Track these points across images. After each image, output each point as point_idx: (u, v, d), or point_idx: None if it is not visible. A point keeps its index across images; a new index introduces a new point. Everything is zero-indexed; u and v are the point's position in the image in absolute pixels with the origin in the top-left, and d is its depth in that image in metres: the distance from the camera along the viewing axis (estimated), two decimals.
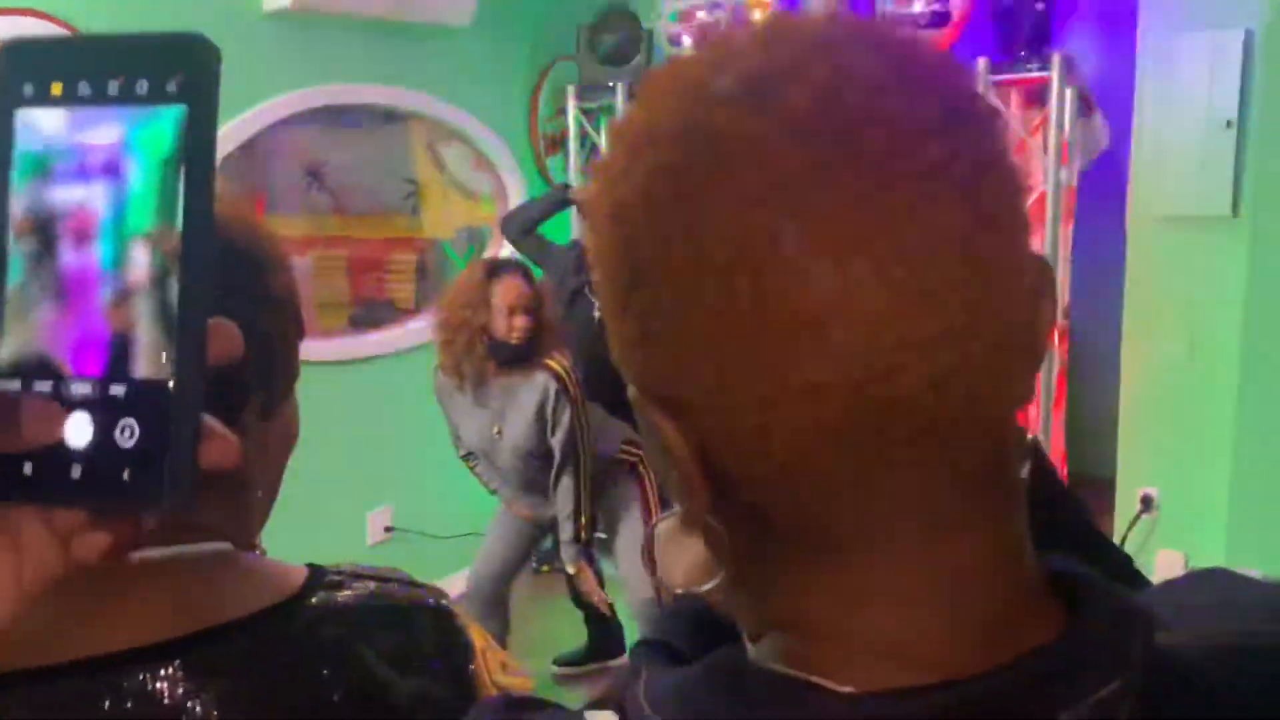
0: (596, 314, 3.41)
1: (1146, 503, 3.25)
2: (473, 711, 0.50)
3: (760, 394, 0.38)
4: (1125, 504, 3.29)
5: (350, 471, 3.72)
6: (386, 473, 3.94)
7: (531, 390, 2.95)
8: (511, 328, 2.90)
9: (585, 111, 4.46)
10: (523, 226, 3.57)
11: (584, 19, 4.32)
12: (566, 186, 3.81)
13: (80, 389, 0.37)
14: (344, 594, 0.72)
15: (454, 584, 3.61)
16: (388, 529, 3.94)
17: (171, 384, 0.36)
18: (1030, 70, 3.24)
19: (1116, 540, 3.26)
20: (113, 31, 0.38)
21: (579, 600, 3.54)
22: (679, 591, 0.78)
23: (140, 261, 0.36)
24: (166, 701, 0.63)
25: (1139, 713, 0.39)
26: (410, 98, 3.98)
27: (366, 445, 3.83)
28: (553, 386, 2.93)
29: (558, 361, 2.96)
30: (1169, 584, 0.52)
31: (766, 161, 0.38)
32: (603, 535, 3.32)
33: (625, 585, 3.16)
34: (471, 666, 0.76)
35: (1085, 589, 0.43)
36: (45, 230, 0.37)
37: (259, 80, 3.44)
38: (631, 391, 0.44)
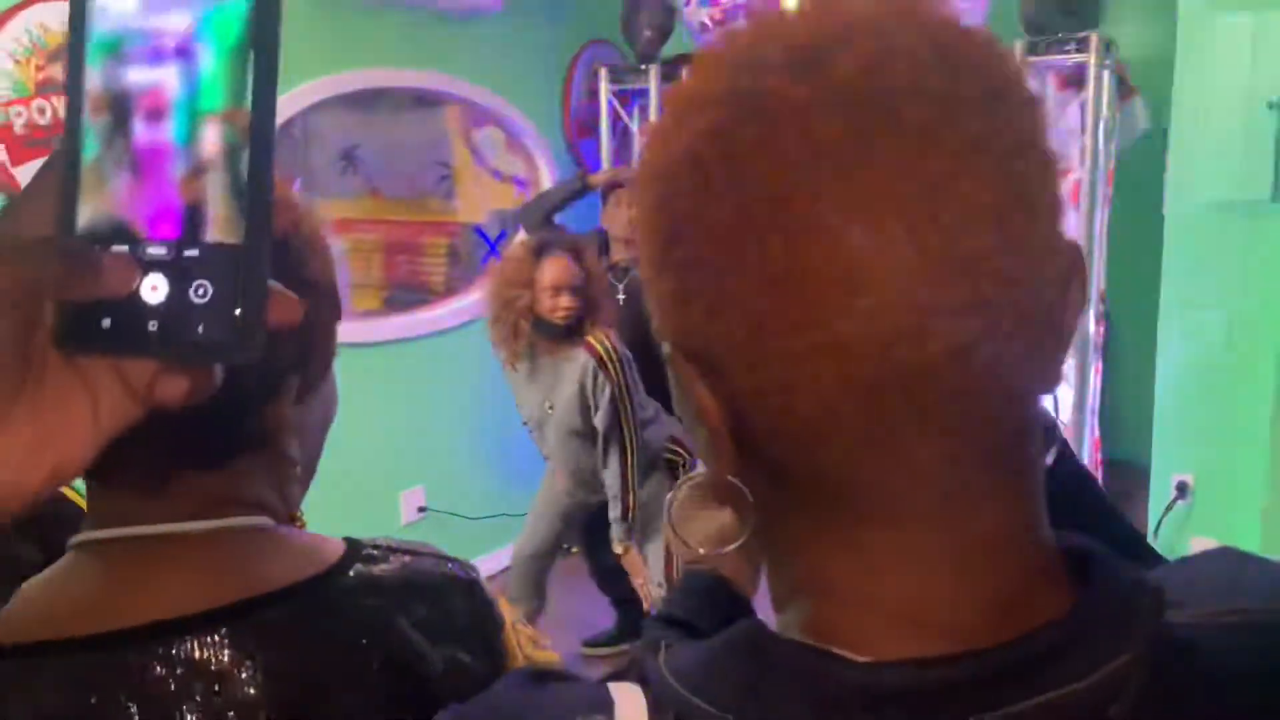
0: (620, 297, 3.44)
1: (1182, 489, 3.22)
2: (499, 682, 0.51)
3: (790, 349, 0.40)
4: (1160, 490, 3.26)
5: (384, 452, 3.75)
6: (420, 454, 3.97)
7: (574, 368, 2.96)
8: (555, 307, 2.92)
9: (618, 95, 4.45)
10: (541, 217, 3.57)
11: (618, 2, 4.31)
12: (584, 175, 3.80)
13: (156, 251, 0.40)
14: (380, 567, 0.74)
15: (485, 565, 3.64)
16: (420, 509, 3.98)
17: (242, 247, 0.39)
18: (1068, 52, 3.20)
19: (1151, 526, 3.23)
20: None
21: (604, 584, 3.58)
22: (692, 562, 0.79)
23: (211, 138, 0.39)
24: (214, 668, 0.65)
25: (1147, 687, 0.40)
26: (444, 81, 4.00)
27: (400, 426, 3.86)
28: (591, 364, 2.94)
29: (599, 340, 2.96)
30: (1181, 562, 0.53)
31: (810, 126, 0.39)
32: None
33: (654, 574, 3.17)
34: (502, 638, 0.78)
35: (1097, 565, 0.44)
36: (120, 107, 0.40)
37: (294, 64, 3.46)
38: (666, 348, 0.46)
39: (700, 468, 0.82)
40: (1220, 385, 3.10)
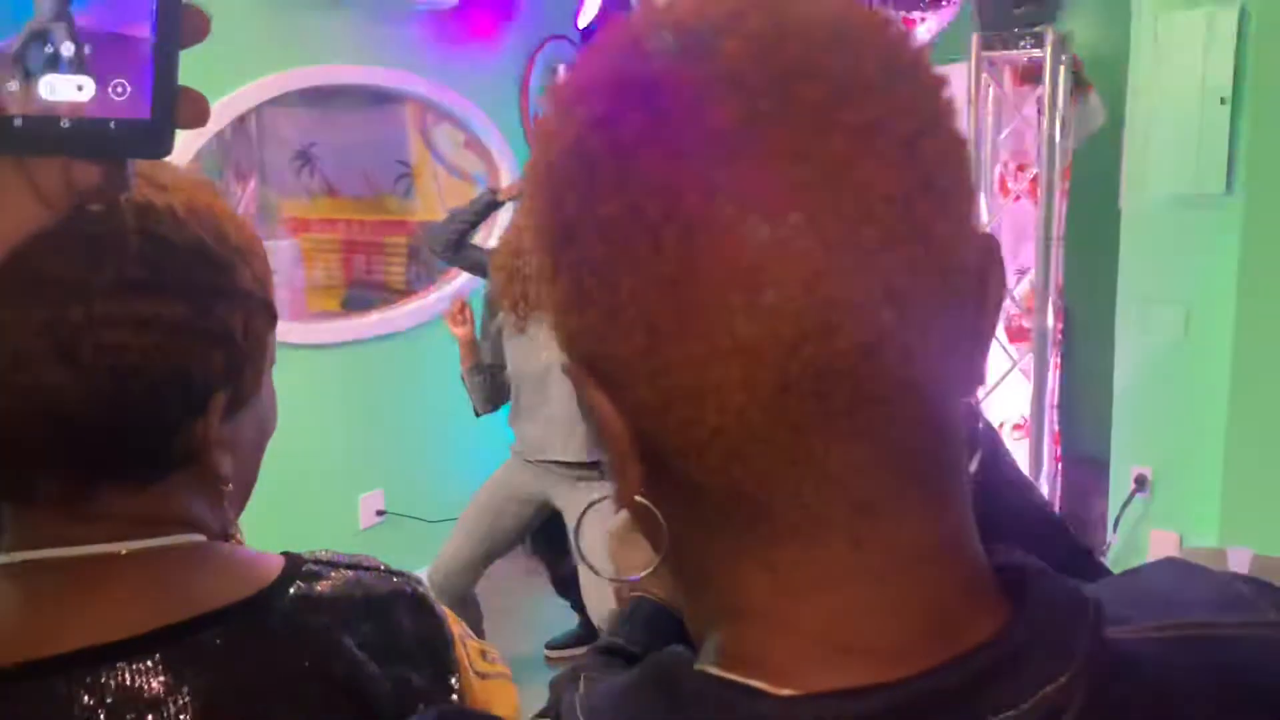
0: None
1: (1140, 482, 3.25)
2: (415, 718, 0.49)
3: (693, 354, 0.37)
4: (1119, 484, 3.29)
5: (342, 455, 3.71)
6: (379, 456, 3.93)
7: None
8: None
9: None
10: (450, 241, 3.39)
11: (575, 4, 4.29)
12: (494, 188, 3.66)
13: (67, 48, 0.41)
14: (322, 584, 0.71)
15: None
16: (379, 512, 3.93)
17: (152, 43, 0.41)
18: (1024, 47, 3.22)
19: (1110, 520, 3.26)
20: None
21: (562, 590, 3.55)
22: (631, 589, 0.76)
23: None
24: (146, 696, 0.62)
25: (1086, 707, 0.38)
26: (401, 78, 3.95)
27: (359, 429, 3.82)
28: None
29: None
30: (1125, 575, 0.51)
31: (700, 112, 0.37)
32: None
33: (586, 597, 3.08)
34: (452, 654, 0.75)
35: (1031, 580, 0.42)
36: None
37: (249, 59, 3.41)
38: (565, 362, 0.43)
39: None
40: (1177, 378, 3.13)
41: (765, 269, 0.36)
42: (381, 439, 3.93)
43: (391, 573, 0.76)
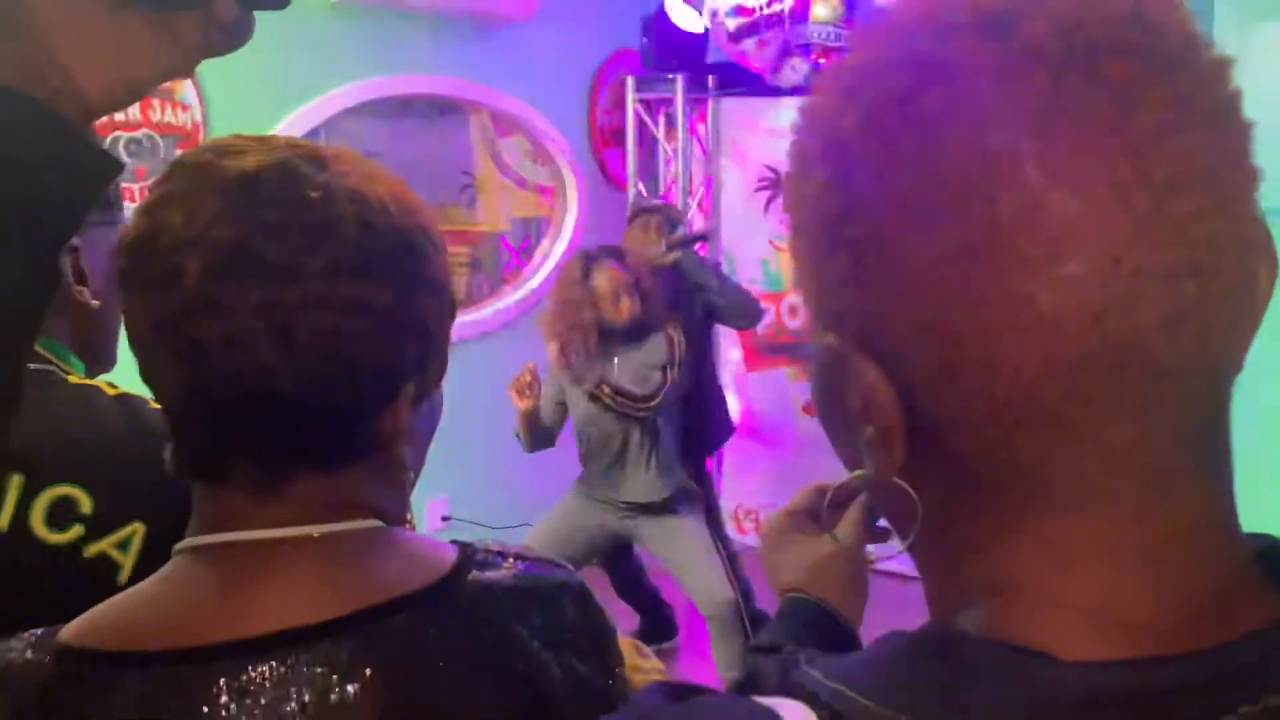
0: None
1: None
2: (639, 695, 0.48)
3: (989, 325, 0.37)
4: None
5: None
6: (444, 463, 3.92)
7: (646, 351, 3.13)
8: (619, 311, 3.07)
9: (644, 104, 4.44)
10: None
11: (645, 11, 4.31)
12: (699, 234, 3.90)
13: None
14: (494, 573, 0.71)
15: None
16: (444, 518, 3.96)
17: None
18: None
19: None
20: None
21: (624, 593, 3.59)
22: (790, 590, 0.76)
23: None
24: (335, 678, 0.63)
25: None
26: (469, 89, 4.00)
27: None
28: (663, 347, 3.11)
29: (668, 332, 3.14)
30: None
31: (1007, 87, 0.37)
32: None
33: (694, 595, 3.14)
34: (615, 647, 0.76)
35: None
36: None
37: (319, 71, 3.47)
38: (829, 340, 0.43)
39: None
40: (1239, 398, 3.03)
41: (1072, 239, 0.36)
42: (447, 446, 3.90)
43: (554, 564, 0.76)
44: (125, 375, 0.87)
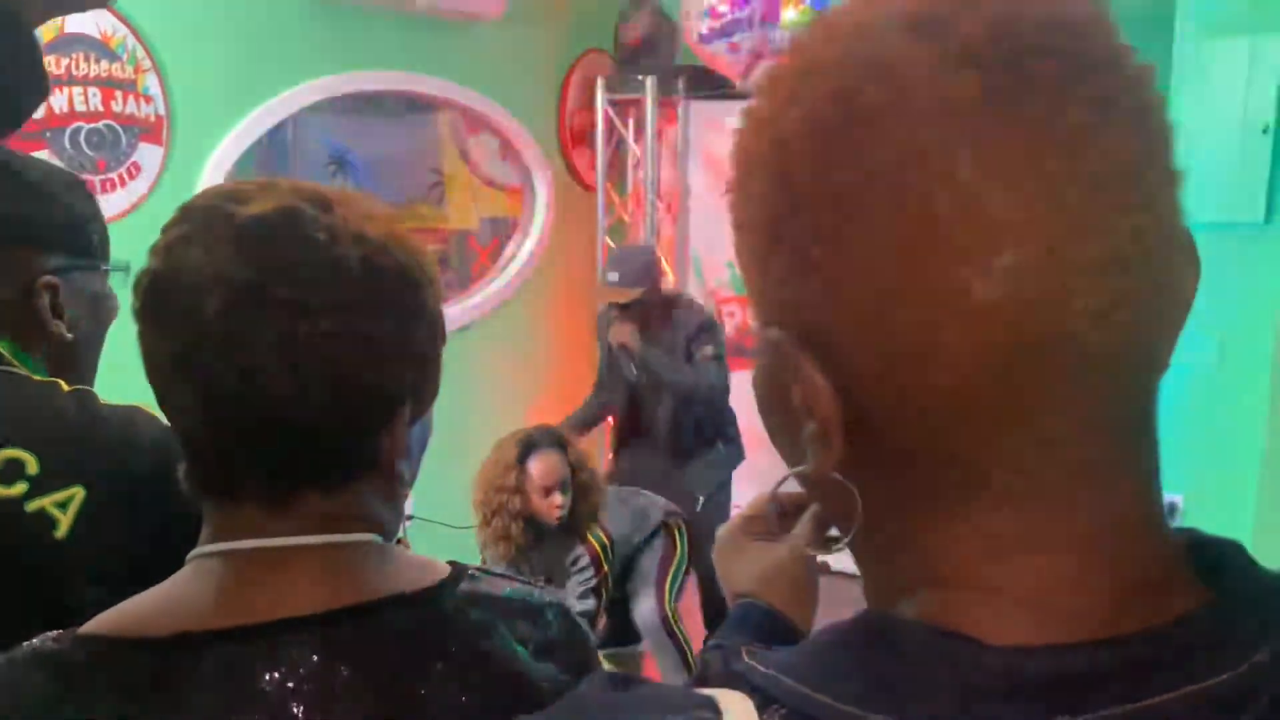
0: (632, 373, 3.52)
1: (1171, 510, 3.20)
2: (582, 684, 0.50)
3: (926, 317, 0.38)
4: None
5: None
6: None
7: (571, 558, 3.01)
8: (549, 507, 2.90)
9: (613, 105, 4.44)
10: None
11: (615, 12, 4.31)
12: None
13: None
14: (484, 585, 0.77)
15: None
16: (408, 518, 3.94)
17: None
18: None
19: None
20: None
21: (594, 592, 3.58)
22: (742, 595, 0.77)
23: None
24: (332, 665, 0.68)
25: None
26: (439, 87, 3.99)
27: None
28: (586, 559, 3.00)
29: (596, 539, 3.02)
30: None
31: (940, 86, 0.38)
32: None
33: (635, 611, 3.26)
34: (596, 664, 0.80)
35: (1230, 557, 0.43)
36: None
37: (288, 66, 3.45)
38: (772, 334, 0.44)
39: (754, 497, 0.81)
40: (1211, 408, 3.09)
41: (1007, 232, 0.37)
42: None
43: (538, 587, 0.82)
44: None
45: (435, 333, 0.76)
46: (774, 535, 0.78)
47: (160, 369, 0.70)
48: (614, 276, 3.45)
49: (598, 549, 3.01)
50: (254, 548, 0.70)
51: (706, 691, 0.44)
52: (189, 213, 0.71)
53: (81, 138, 2.98)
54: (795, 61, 0.43)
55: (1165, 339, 0.41)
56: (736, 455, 3.65)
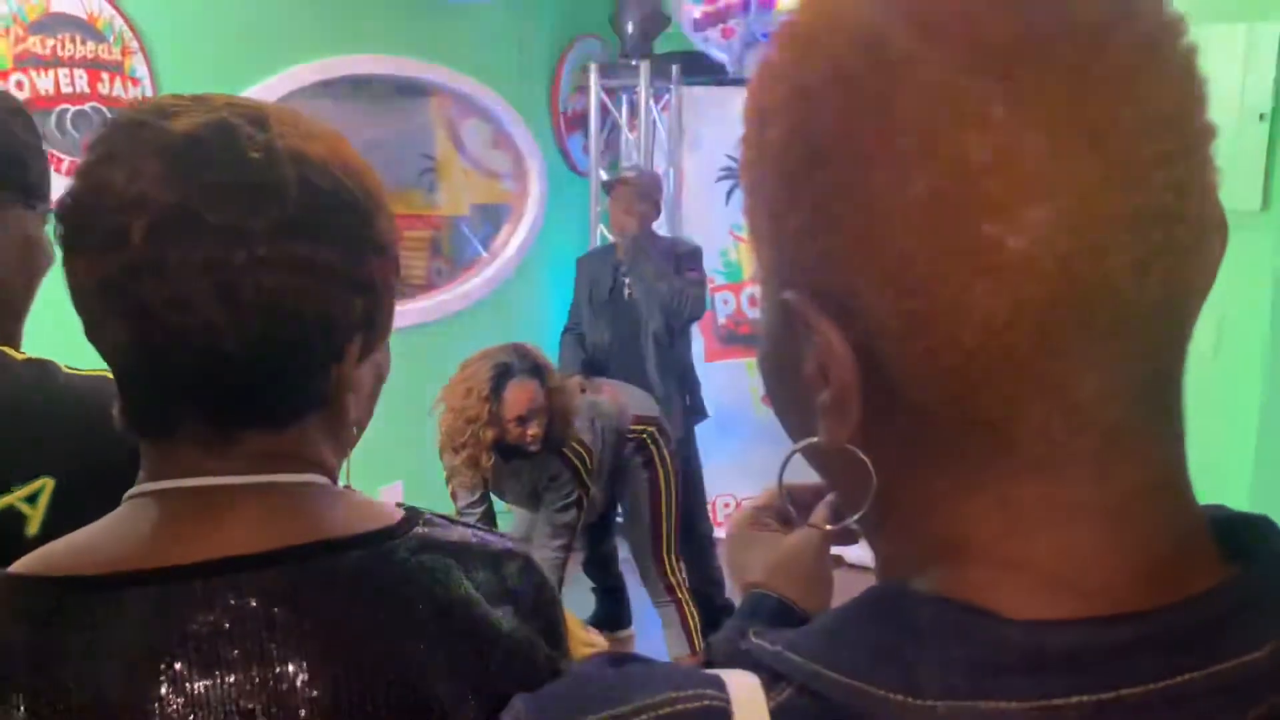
0: (627, 293, 3.61)
1: None
2: (583, 664, 0.49)
3: (955, 272, 0.36)
4: None
5: (361, 447, 3.68)
6: (398, 450, 3.91)
7: (549, 474, 2.94)
8: (524, 435, 2.79)
9: (607, 90, 4.42)
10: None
11: None
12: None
13: None
14: (440, 531, 0.73)
15: None
16: (398, 505, 3.93)
17: None
18: None
19: None
20: None
21: (591, 570, 3.63)
22: (752, 586, 0.75)
23: None
24: (266, 611, 0.64)
25: None
26: (430, 71, 3.95)
27: (378, 422, 3.77)
28: (566, 474, 2.93)
29: (574, 452, 2.93)
30: None
31: (975, 30, 0.36)
32: (621, 519, 3.39)
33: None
34: (559, 614, 0.76)
35: (1256, 532, 0.42)
36: None
37: (276, 49, 3.41)
38: (787, 297, 0.41)
39: (758, 494, 0.79)
40: (1207, 395, 3.09)
41: (1043, 184, 0.35)
42: (401, 433, 3.91)
43: (501, 535, 0.78)
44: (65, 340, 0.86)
45: (386, 262, 0.70)
46: (785, 526, 0.76)
47: (86, 298, 0.65)
48: (631, 173, 3.71)
49: (575, 461, 2.93)
50: (192, 487, 0.66)
51: (712, 671, 0.42)
52: (114, 129, 0.65)
53: (68, 119, 2.94)
54: (811, 14, 0.41)
55: (1198, 297, 0.39)
56: (698, 409, 3.82)
